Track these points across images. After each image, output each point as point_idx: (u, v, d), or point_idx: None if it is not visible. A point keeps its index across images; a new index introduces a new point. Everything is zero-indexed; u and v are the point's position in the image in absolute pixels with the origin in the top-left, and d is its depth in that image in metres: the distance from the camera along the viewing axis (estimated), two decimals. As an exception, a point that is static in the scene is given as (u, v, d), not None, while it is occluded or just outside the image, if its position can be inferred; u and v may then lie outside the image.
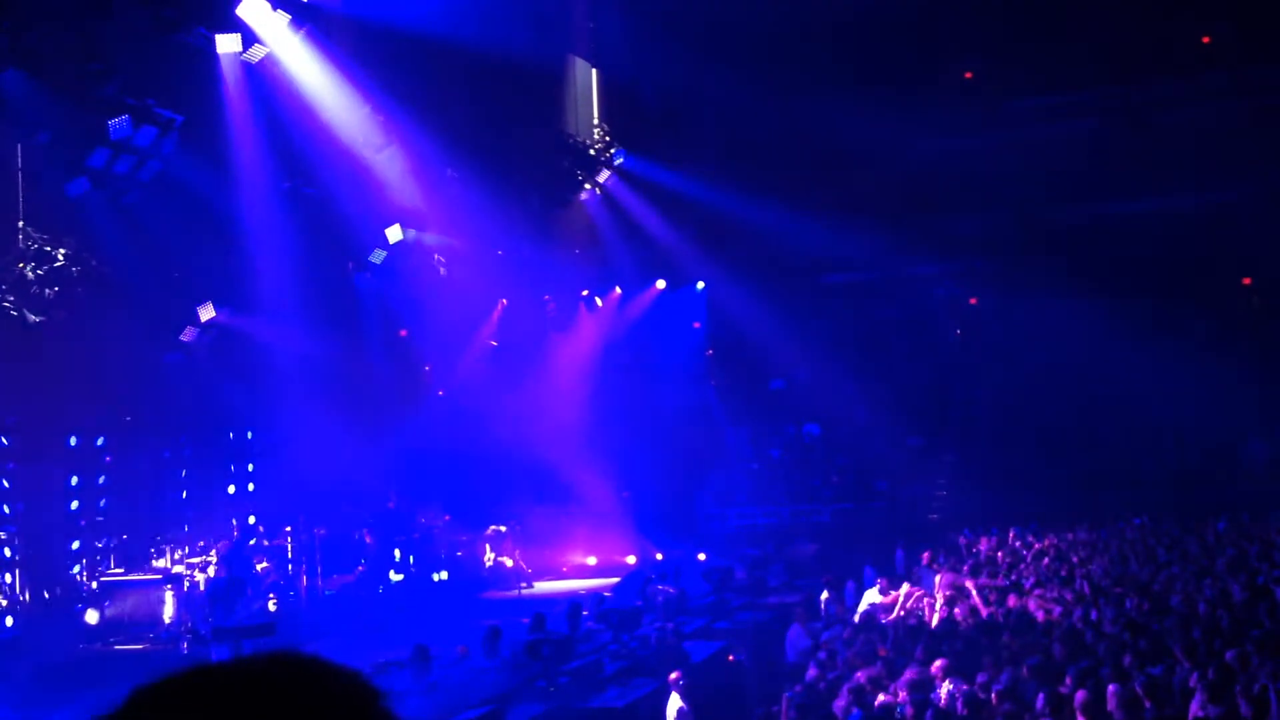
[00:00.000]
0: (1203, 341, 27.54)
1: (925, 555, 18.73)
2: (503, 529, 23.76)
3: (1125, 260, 28.32)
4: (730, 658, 16.12)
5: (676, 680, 12.32)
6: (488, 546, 23.57)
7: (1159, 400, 26.66)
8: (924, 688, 10.08)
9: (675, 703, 12.06)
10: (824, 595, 18.17)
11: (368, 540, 21.35)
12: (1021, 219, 29.49)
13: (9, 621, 16.19)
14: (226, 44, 15.42)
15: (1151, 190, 28.34)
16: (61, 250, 16.28)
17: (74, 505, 17.88)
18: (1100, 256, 28.66)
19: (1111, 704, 8.92)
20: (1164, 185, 28.23)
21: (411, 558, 21.93)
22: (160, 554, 17.70)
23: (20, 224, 16.24)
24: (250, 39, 15.60)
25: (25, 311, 16.15)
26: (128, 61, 14.58)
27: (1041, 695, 9.74)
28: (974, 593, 15.61)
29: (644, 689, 13.60)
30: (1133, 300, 27.37)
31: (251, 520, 19.39)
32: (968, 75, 31.35)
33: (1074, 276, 27.95)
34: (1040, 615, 14.42)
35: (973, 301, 32.13)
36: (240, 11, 15.33)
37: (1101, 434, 27.63)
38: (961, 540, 21.56)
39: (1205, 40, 29.63)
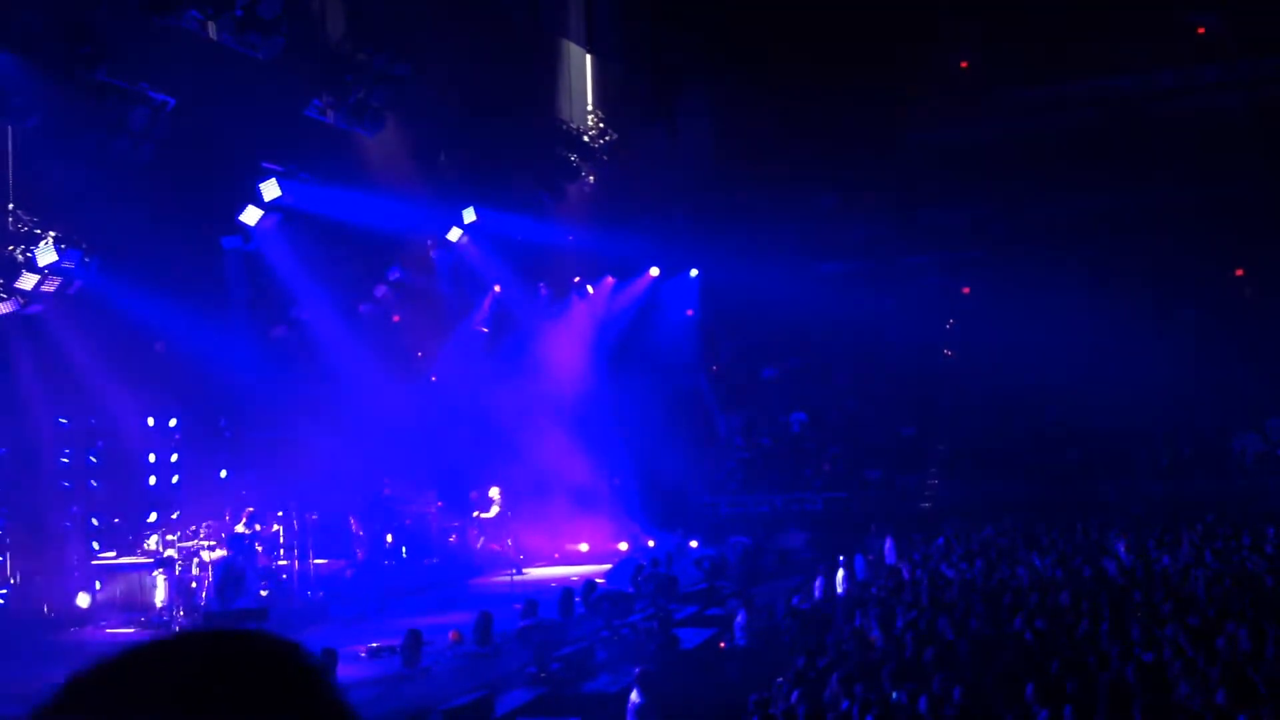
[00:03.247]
0: (1195, 333, 27.61)
1: None
2: (492, 510, 23.73)
3: (1118, 251, 28.35)
4: (722, 645, 16.15)
5: (640, 675, 12.30)
6: (479, 515, 23.54)
7: (1151, 391, 26.75)
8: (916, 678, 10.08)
9: (633, 696, 12.05)
10: (817, 583, 18.22)
11: (355, 528, 21.33)
12: (1015, 209, 29.51)
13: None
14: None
15: (1145, 182, 28.35)
16: (52, 233, 16.18)
17: (65, 485, 17.84)
18: (1093, 247, 28.69)
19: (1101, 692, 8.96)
20: (1157, 177, 28.24)
21: (404, 548, 21.94)
22: (151, 538, 17.65)
23: (10, 206, 16.14)
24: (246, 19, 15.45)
25: (15, 295, 16.08)
26: (119, 44, 14.48)
27: (1030, 685, 9.77)
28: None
29: (635, 675, 13.60)
30: (1125, 291, 27.44)
31: (246, 506, 19.33)
32: (963, 65, 31.33)
33: (1067, 267, 28.00)
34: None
35: (966, 291, 32.16)
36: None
37: (1093, 425, 27.71)
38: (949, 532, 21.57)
39: (1200, 31, 29.65)
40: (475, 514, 23.62)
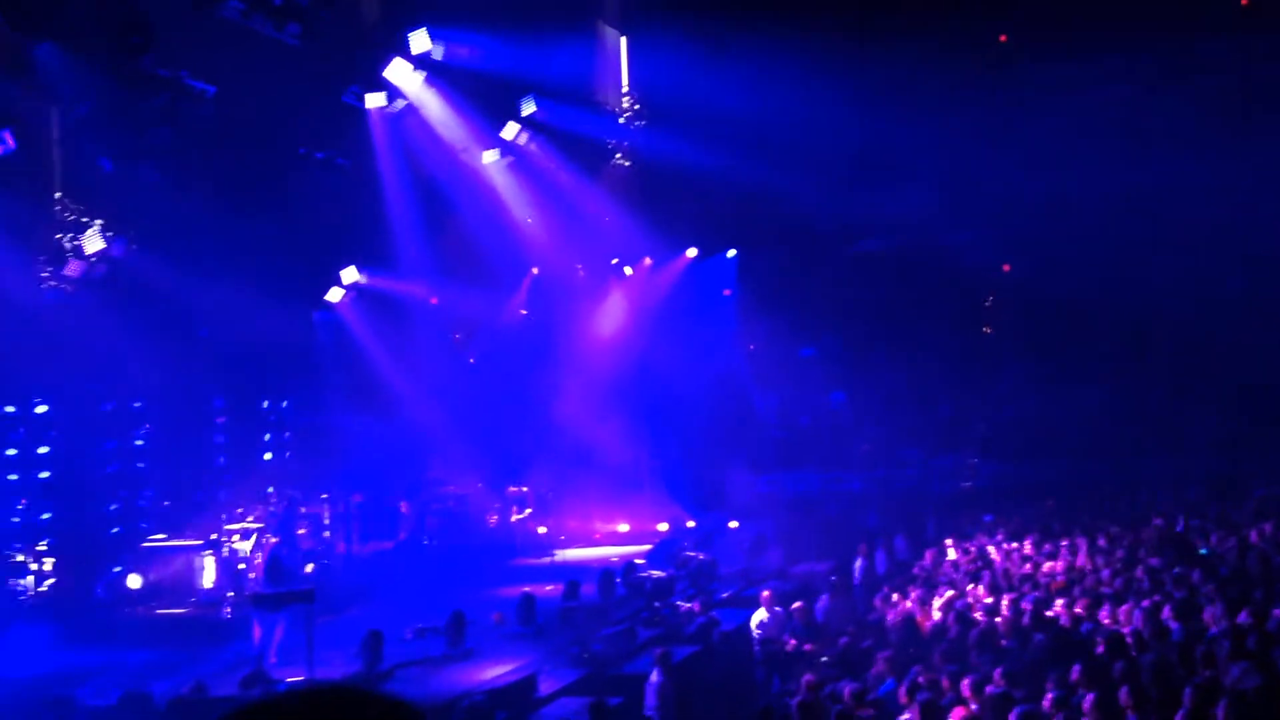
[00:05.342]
0: (1244, 305, 27.16)
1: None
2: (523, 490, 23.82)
3: (1165, 226, 27.90)
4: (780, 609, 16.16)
5: (660, 655, 12.53)
6: (514, 509, 23.67)
7: (1200, 367, 26.39)
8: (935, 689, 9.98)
9: (653, 676, 12.27)
10: (857, 564, 18.22)
11: (404, 510, 21.58)
12: (1058, 184, 29.10)
13: (49, 584, 16.54)
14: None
15: (1193, 154, 27.81)
16: (98, 221, 16.44)
17: (111, 469, 18.15)
18: (1135, 222, 28.26)
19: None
20: (1206, 148, 27.69)
21: (445, 529, 22.15)
22: (200, 520, 17.91)
23: (57, 195, 16.40)
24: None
25: (61, 281, 16.36)
26: (161, 33, 14.61)
27: (1078, 665, 9.74)
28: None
29: (676, 656, 13.71)
30: (1174, 266, 27.01)
31: (289, 490, 19.57)
32: (1002, 38, 30.87)
33: (1107, 246, 27.63)
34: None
35: (1006, 269, 31.86)
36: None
37: (1139, 402, 27.39)
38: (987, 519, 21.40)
39: (1244, 2, 29.04)
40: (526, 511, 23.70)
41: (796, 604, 14.37)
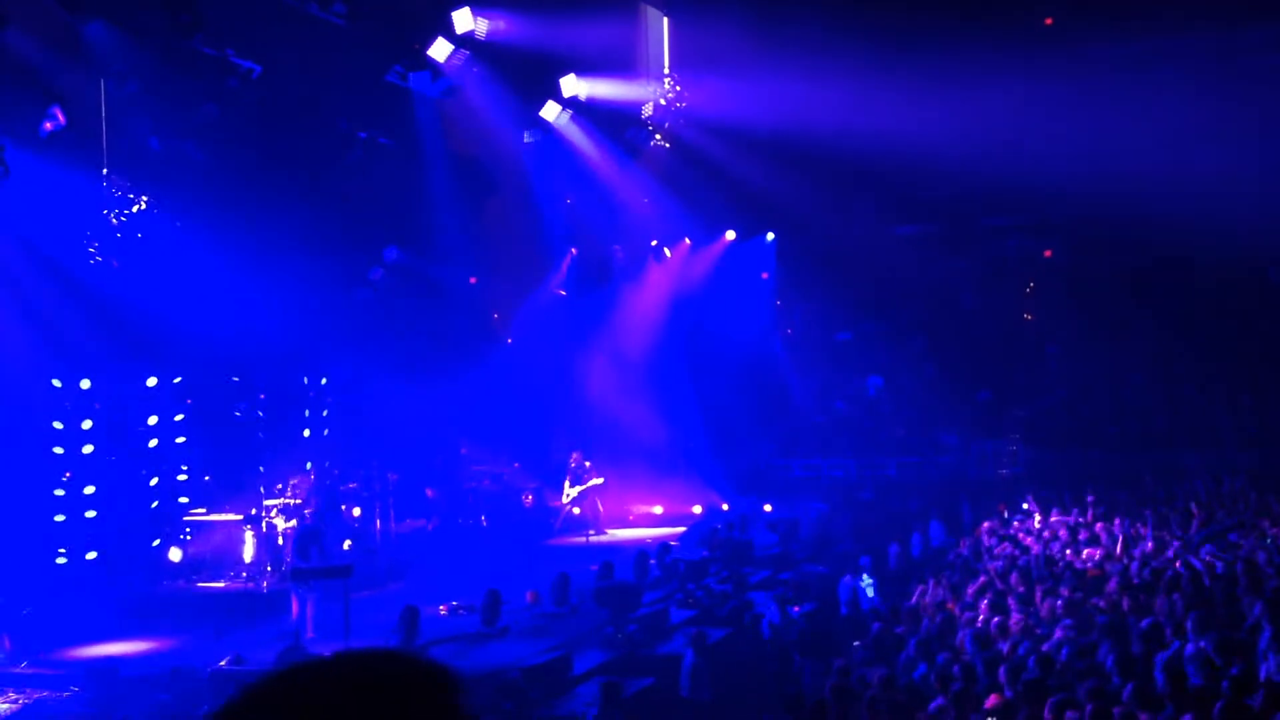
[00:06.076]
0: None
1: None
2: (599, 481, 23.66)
3: (1209, 215, 27.50)
4: (796, 609, 16.20)
5: (693, 636, 12.59)
6: (568, 480, 23.53)
7: (1242, 359, 26.05)
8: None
9: (688, 657, 12.34)
10: (892, 549, 18.19)
11: (430, 495, 21.70)
12: (1101, 170, 28.73)
13: (91, 557, 16.82)
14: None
15: (1240, 141, 27.36)
16: (144, 197, 16.63)
17: (152, 443, 18.38)
18: (1182, 211, 27.85)
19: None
20: (1253, 135, 27.23)
21: (482, 511, 22.29)
22: (240, 495, 18.11)
23: (105, 170, 16.58)
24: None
25: (108, 257, 16.57)
26: (209, 12, 14.73)
27: (1111, 656, 9.70)
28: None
29: (709, 638, 13.77)
30: (1217, 255, 26.62)
31: (327, 464, 19.77)
32: (1048, 21, 30.47)
33: (1154, 231, 27.25)
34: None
35: (1047, 255, 31.54)
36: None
37: (1177, 392, 27.10)
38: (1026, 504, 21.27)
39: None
40: (587, 483, 23.46)
41: (812, 606, 14.34)
